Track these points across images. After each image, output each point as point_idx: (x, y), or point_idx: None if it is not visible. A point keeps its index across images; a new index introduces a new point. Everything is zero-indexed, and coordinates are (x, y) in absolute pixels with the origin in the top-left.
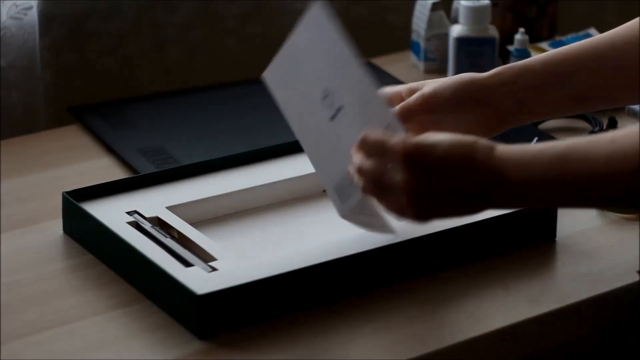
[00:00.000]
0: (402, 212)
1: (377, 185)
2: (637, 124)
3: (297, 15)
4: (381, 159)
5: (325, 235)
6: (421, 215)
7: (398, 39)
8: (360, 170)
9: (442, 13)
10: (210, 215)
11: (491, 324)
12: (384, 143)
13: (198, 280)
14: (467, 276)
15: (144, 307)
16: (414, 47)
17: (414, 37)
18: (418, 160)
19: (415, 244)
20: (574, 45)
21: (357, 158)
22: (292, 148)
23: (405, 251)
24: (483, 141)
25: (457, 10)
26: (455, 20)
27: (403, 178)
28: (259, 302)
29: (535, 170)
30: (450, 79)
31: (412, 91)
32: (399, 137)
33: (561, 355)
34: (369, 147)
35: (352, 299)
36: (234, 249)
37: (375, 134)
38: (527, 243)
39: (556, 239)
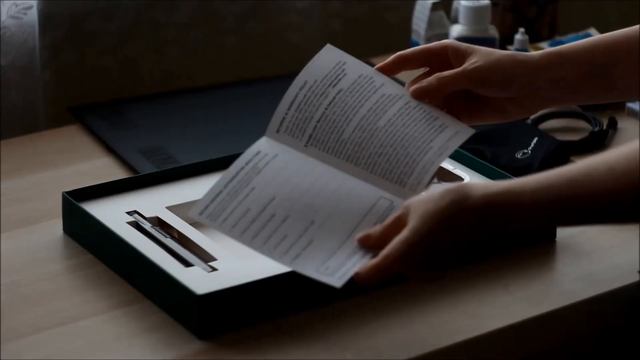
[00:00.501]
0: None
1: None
2: (629, 143)
3: (297, 14)
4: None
5: None
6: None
7: (398, 38)
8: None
9: (442, 13)
10: None
11: (491, 324)
12: (383, 266)
13: (198, 280)
14: (467, 276)
15: (144, 307)
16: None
17: (414, 37)
18: (418, 258)
19: None
20: (615, 34)
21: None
22: None
23: None
24: (464, 201)
25: (457, 10)
26: (455, 20)
27: (418, 275)
28: (259, 302)
29: (535, 217)
30: (500, 55)
31: (452, 55)
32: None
33: (561, 355)
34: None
35: (352, 299)
36: (234, 249)
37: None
38: (527, 243)
39: (556, 239)
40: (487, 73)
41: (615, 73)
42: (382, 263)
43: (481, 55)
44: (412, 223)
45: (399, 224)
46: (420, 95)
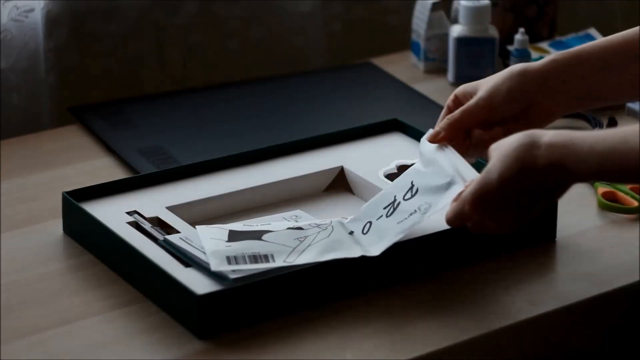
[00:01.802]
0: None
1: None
2: None
3: (298, 17)
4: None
5: None
6: (515, 225)
7: (398, 39)
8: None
9: (442, 13)
10: (210, 215)
11: (491, 324)
12: (459, 212)
13: (198, 280)
14: (467, 276)
15: (144, 307)
16: (414, 47)
17: (414, 37)
18: (487, 207)
19: (416, 244)
20: (622, 35)
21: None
22: (292, 148)
23: (406, 252)
24: (524, 143)
25: (457, 10)
26: (455, 20)
27: (488, 224)
28: (259, 302)
29: (588, 169)
30: (501, 75)
31: (461, 98)
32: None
33: (561, 355)
34: (456, 223)
35: (352, 300)
36: None
37: (452, 210)
38: (527, 243)
39: (556, 239)
40: (492, 95)
41: (618, 75)
42: (457, 209)
43: (484, 84)
44: (487, 165)
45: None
46: (435, 139)
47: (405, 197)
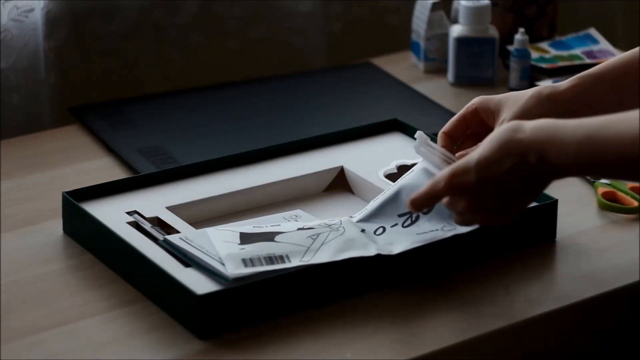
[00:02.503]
0: (491, 222)
1: (457, 213)
2: None
3: (298, 17)
4: (437, 200)
5: None
6: (499, 219)
7: (398, 39)
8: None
9: (442, 13)
10: (210, 215)
11: (491, 324)
12: (432, 191)
13: (198, 280)
14: (468, 276)
15: (144, 307)
16: (414, 47)
17: (414, 37)
18: (461, 188)
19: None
20: (631, 53)
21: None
22: (292, 148)
23: (406, 252)
24: (506, 129)
25: (457, 10)
26: (455, 20)
27: (461, 206)
28: (259, 302)
29: (569, 151)
30: (528, 99)
31: (482, 112)
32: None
33: (561, 355)
34: (423, 203)
35: (352, 300)
36: None
37: (424, 189)
38: (527, 243)
39: (556, 239)
40: (521, 119)
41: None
42: (431, 185)
43: (508, 108)
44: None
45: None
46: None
47: (424, 211)
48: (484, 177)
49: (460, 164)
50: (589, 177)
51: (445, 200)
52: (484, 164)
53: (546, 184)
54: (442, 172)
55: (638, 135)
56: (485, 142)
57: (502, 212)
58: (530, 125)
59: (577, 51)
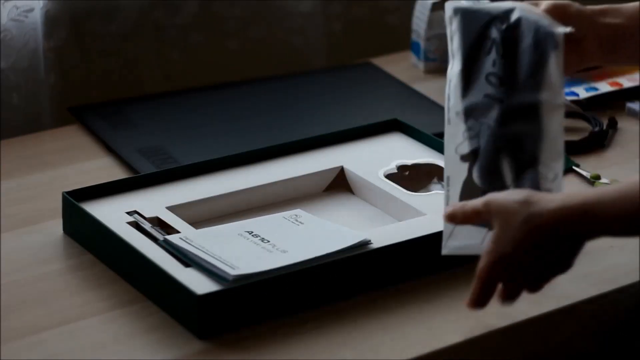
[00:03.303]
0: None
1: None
2: None
3: (298, 17)
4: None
5: None
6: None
7: (398, 39)
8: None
9: (442, 13)
10: (210, 215)
11: (491, 324)
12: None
13: (198, 280)
14: (468, 276)
15: (144, 307)
16: (414, 47)
17: (414, 37)
18: (505, 267)
19: (416, 244)
20: None
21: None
22: (292, 148)
23: (406, 252)
24: (538, 216)
25: None
26: None
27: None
28: (259, 302)
29: (613, 227)
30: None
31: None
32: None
33: (561, 355)
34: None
35: (352, 300)
36: None
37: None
38: None
39: None
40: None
41: None
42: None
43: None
44: (496, 231)
45: (479, 217)
46: None
47: None
48: (521, 255)
49: (496, 252)
50: (593, 180)
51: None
52: (519, 245)
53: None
54: (480, 267)
55: None
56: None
57: (545, 273)
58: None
59: None
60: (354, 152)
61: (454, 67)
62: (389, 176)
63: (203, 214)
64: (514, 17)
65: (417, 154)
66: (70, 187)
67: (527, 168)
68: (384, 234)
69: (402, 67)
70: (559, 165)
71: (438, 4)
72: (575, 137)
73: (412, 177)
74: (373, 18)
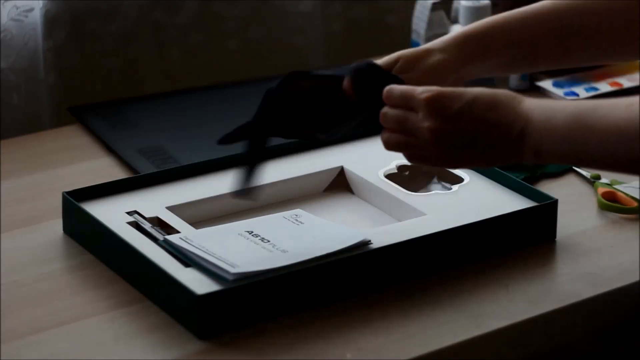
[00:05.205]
0: (426, 158)
1: (401, 130)
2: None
3: (298, 17)
4: (406, 108)
5: None
6: (445, 160)
7: (398, 40)
8: (385, 117)
9: (442, 13)
10: (210, 215)
11: (491, 324)
12: (409, 93)
13: (198, 280)
14: (467, 276)
15: (144, 307)
16: (413, 47)
17: (414, 37)
18: (442, 107)
19: (416, 244)
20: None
21: (385, 108)
22: (292, 148)
23: (406, 251)
24: (507, 92)
25: (457, 10)
26: (455, 20)
27: (428, 123)
28: (259, 302)
29: (556, 122)
30: (449, 40)
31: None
32: (423, 88)
33: (561, 355)
34: (395, 99)
35: (352, 300)
36: None
37: (401, 87)
38: (527, 243)
39: (556, 239)
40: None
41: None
42: (411, 88)
43: (430, 54)
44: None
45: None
46: None
47: None
48: (470, 114)
49: (454, 90)
50: (574, 167)
51: (398, 111)
52: (477, 103)
53: (518, 155)
54: (430, 87)
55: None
56: (483, 89)
57: (451, 156)
58: (529, 99)
59: None
60: (354, 152)
61: None
62: (389, 176)
63: (203, 214)
64: None
65: None
66: (70, 187)
67: None
68: (384, 234)
69: None
70: None
71: (438, 4)
72: None
73: (412, 177)
74: (373, 18)
